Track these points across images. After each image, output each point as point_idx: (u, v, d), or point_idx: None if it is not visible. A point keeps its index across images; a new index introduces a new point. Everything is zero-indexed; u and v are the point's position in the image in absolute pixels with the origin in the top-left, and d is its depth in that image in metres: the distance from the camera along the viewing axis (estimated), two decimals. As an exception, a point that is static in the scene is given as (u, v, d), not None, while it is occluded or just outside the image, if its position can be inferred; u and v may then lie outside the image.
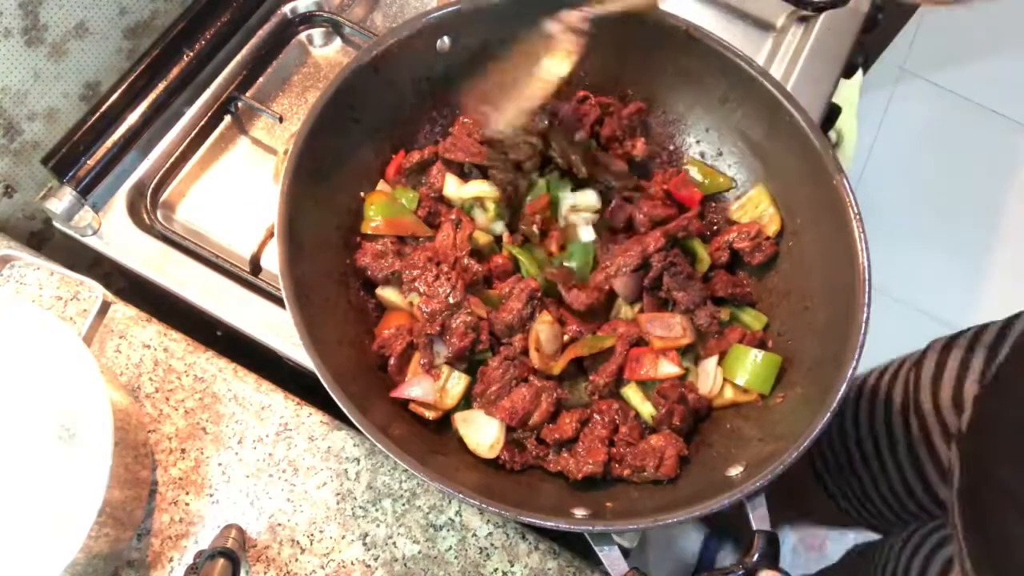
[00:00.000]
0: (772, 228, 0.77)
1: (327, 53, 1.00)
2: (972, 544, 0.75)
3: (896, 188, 2.14)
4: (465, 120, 0.80)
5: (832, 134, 1.55)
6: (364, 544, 0.73)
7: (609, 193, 0.79)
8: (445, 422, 0.71)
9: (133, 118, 0.87)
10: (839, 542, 1.59)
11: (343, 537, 0.73)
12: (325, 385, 0.60)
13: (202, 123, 0.90)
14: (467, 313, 0.69)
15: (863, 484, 1.07)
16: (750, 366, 0.69)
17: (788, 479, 0.61)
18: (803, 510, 1.29)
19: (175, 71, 0.90)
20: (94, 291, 0.71)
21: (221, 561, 0.64)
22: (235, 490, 0.74)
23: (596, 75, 0.81)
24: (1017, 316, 0.89)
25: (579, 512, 0.62)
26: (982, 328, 0.93)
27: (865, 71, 1.74)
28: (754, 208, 0.78)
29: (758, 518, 0.59)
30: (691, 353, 0.74)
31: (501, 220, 0.77)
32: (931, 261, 2.04)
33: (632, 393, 0.71)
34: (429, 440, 0.69)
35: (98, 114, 0.85)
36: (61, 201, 0.83)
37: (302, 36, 0.99)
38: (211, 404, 0.78)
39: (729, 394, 0.71)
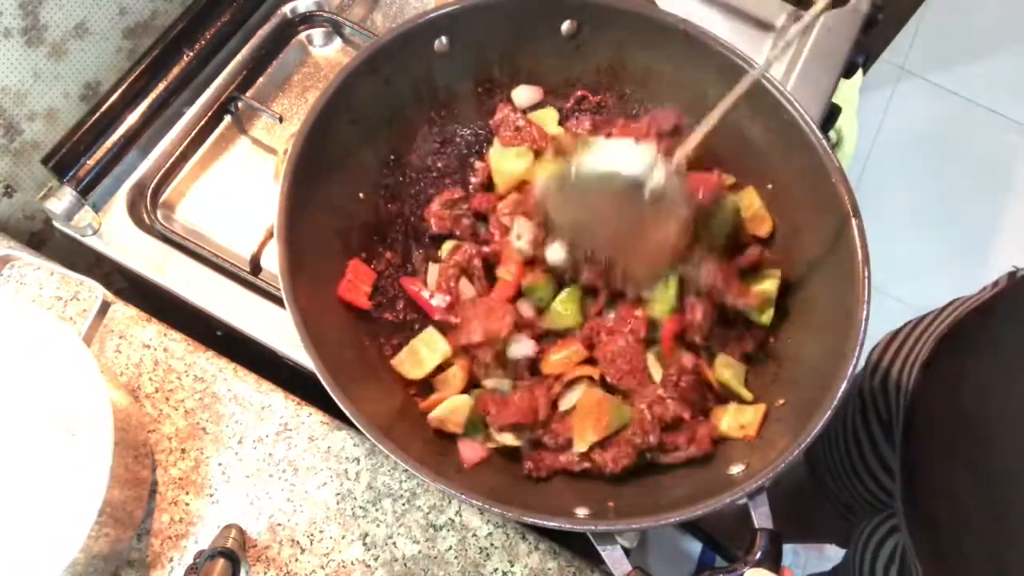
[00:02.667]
0: (763, 229, 0.76)
1: (327, 53, 1.00)
2: (914, 534, 0.76)
3: (896, 188, 2.14)
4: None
5: (832, 134, 1.55)
6: (364, 544, 0.73)
7: None
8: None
9: (133, 118, 0.87)
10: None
11: (343, 537, 0.73)
12: (325, 385, 0.60)
13: (202, 123, 0.90)
14: None
15: (831, 466, 1.07)
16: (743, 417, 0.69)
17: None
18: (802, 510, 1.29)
19: (175, 71, 0.90)
20: (94, 291, 0.71)
21: (221, 561, 0.64)
22: (235, 490, 0.74)
23: (594, 74, 0.81)
24: (951, 303, 0.90)
25: (581, 512, 0.62)
26: (926, 316, 0.94)
27: (865, 71, 1.74)
28: (745, 210, 0.77)
29: (760, 516, 0.59)
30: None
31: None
32: (931, 260, 2.04)
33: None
34: (431, 441, 0.69)
35: (98, 114, 0.85)
36: (61, 201, 0.83)
37: (302, 36, 0.99)
38: (211, 404, 0.78)
39: (725, 427, 0.69)
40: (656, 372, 0.70)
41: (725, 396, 0.72)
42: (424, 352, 0.71)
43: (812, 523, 1.26)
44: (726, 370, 0.71)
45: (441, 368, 0.72)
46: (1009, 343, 0.74)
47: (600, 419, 0.68)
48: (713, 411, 0.71)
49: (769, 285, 0.72)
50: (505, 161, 0.77)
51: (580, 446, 0.68)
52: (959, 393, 0.75)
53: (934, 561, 0.74)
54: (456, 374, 0.70)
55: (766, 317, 0.72)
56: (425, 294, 0.74)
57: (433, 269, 0.76)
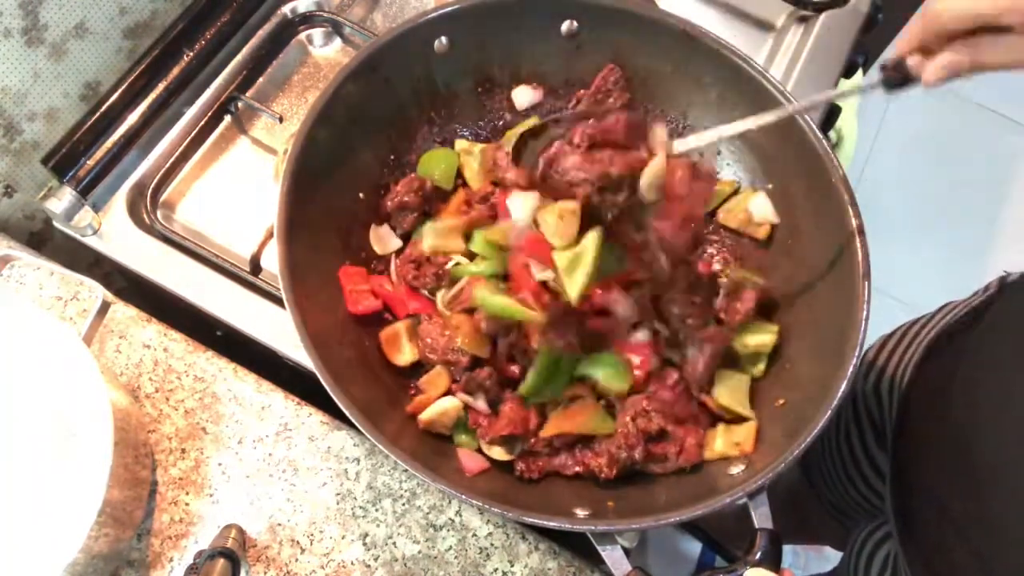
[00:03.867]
0: (761, 232, 0.76)
1: (327, 53, 1.00)
2: (903, 538, 0.76)
3: (896, 188, 2.14)
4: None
5: (832, 134, 1.55)
6: (364, 544, 0.73)
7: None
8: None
9: (133, 118, 0.87)
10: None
11: (343, 537, 0.73)
12: (325, 386, 0.60)
13: (202, 123, 0.90)
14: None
15: (823, 469, 1.07)
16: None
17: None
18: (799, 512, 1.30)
19: (175, 71, 0.90)
20: (94, 291, 0.71)
21: (221, 561, 0.64)
22: (235, 490, 0.74)
23: (594, 74, 0.81)
24: (943, 307, 0.90)
25: (581, 512, 0.62)
26: (919, 319, 0.94)
27: (865, 71, 1.74)
28: (742, 211, 0.77)
29: (760, 516, 0.59)
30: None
31: None
32: (931, 261, 2.04)
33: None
34: (431, 441, 0.69)
35: (98, 114, 0.85)
36: (61, 201, 0.83)
37: (302, 36, 0.99)
38: (211, 404, 0.77)
39: (720, 447, 0.69)
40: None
41: (719, 414, 0.71)
42: (404, 341, 0.72)
43: (807, 523, 1.26)
44: (725, 393, 0.70)
45: (423, 364, 0.72)
46: (998, 349, 0.74)
47: (575, 418, 0.68)
48: (705, 435, 0.70)
49: (767, 338, 0.70)
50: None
51: (545, 432, 0.68)
52: (949, 398, 0.75)
53: (922, 566, 0.74)
54: (441, 373, 0.70)
55: (757, 370, 0.71)
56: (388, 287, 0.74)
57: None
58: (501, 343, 0.68)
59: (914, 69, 0.56)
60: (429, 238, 0.73)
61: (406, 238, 0.77)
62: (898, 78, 0.56)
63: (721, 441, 0.68)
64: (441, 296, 0.72)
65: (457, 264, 0.73)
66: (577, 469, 0.68)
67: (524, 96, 0.82)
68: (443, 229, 0.73)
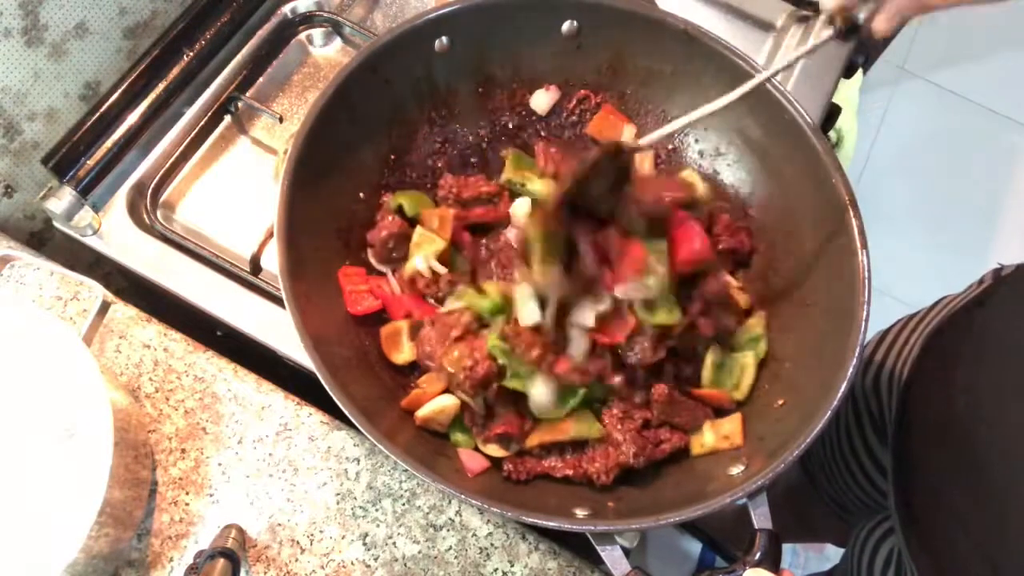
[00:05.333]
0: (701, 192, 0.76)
1: (327, 53, 1.00)
2: (907, 533, 0.76)
3: (896, 188, 2.14)
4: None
5: (832, 134, 1.55)
6: (364, 544, 0.73)
7: None
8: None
9: (133, 118, 0.87)
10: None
11: (343, 537, 0.73)
12: (326, 386, 0.60)
13: (202, 123, 0.90)
14: None
15: (824, 465, 1.07)
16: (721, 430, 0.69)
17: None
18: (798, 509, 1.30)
19: (175, 71, 0.90)
20: (94, 291, 0.71)
21: (221, 561, 0.64)
22: (235, 490, 0.74)
23: (595, 74, 0.82)
24: (939, 301, 0.90)
25: (580, 512, 0.62)
26: (915, 314, 0.94)
27: (865, 71, 1.74)
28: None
29: (760, 516, 0.59)
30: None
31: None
32: (931, 261, 2.04)
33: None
34: (431, 441, 0.69)
35: (98, 114, 0.85)
36: (61, 201, 0.83)
37: (302, 36, 0.99)
38: (211, 404, 0.78)
39: (710, 441, 0.69)
40: None
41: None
42: (404, 340, 0.71)
43: (807, 520, 1.26)
44: (709, 434, 0.69)
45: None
46: (996, 340, 0.74)
47: (563, 425, 0.67)
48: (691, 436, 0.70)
49: (752, 321, 0.72)
50: None
51: (530, 441, 0.68)
52: (949, 391, 0.75)
53: (928, 560, 0.74)
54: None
55: (759, 350, 0.72)
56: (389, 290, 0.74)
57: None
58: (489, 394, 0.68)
59: (866, 21, 0.59)
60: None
61: None
62: (847, 28, 0.60)
63: (709, 435, 0.68)
64: (449, 303, 0.72)
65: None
66: (568, 472, 0.68)
67: (541, 100, 0.82)
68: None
